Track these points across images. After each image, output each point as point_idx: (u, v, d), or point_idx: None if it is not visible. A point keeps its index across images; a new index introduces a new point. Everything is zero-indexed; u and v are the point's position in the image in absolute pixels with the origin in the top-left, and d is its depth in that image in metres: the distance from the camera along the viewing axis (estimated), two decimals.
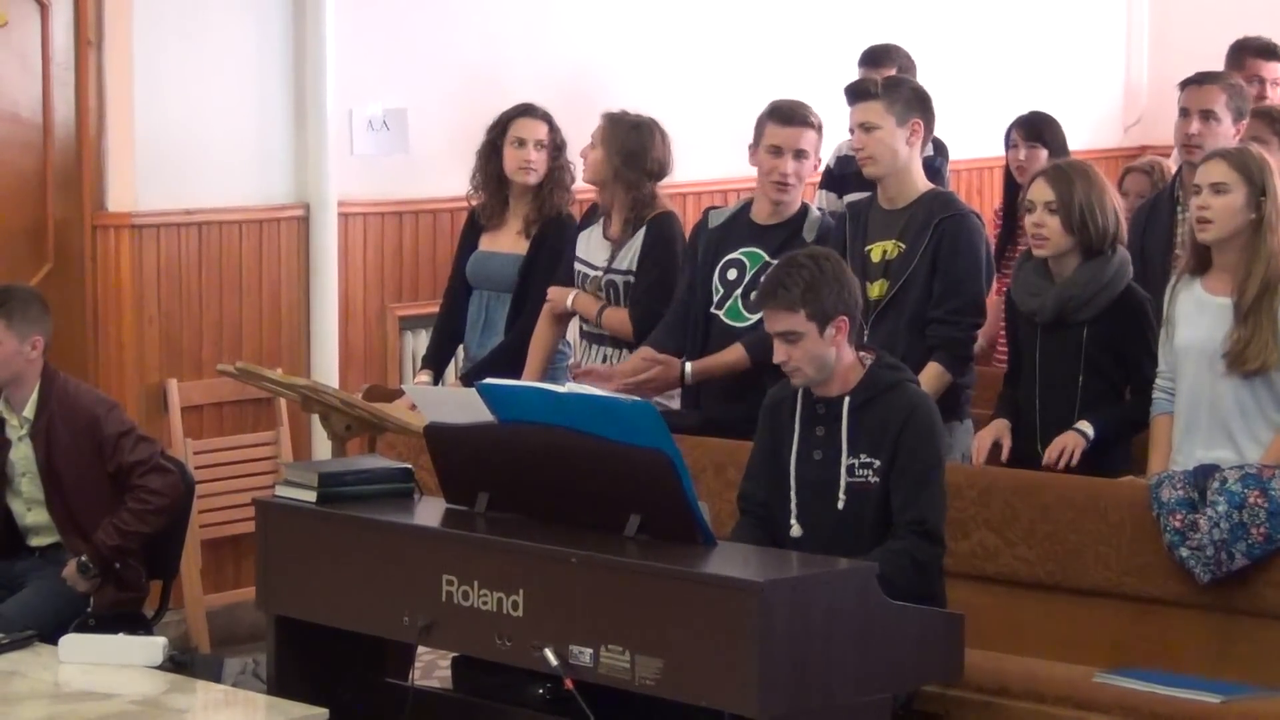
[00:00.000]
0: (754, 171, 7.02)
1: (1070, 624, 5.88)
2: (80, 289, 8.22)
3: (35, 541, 6.61)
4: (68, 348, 7.62)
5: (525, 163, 7.46)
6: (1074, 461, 6.06)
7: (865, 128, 6.51)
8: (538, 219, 7.37)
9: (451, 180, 8.51)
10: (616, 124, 7.21)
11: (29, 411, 6.53)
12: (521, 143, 7.49)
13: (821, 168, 8.45)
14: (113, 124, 8.30)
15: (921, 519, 5.38)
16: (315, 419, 7.95)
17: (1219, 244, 5.91)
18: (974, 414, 6.65)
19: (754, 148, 6.86)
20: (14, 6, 7.75)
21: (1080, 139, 9.37)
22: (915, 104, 6.64)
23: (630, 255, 7.12)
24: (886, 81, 6.98)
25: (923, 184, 6.64)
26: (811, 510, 5.52)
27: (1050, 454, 6.11)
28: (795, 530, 5.52)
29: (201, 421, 8.34)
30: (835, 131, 8.07)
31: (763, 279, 5.76)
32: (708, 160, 7.85)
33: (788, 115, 6.80)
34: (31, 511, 6.59)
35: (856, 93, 6.84)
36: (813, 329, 5.38)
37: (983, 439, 6.38)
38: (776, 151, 6.74)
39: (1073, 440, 6.08)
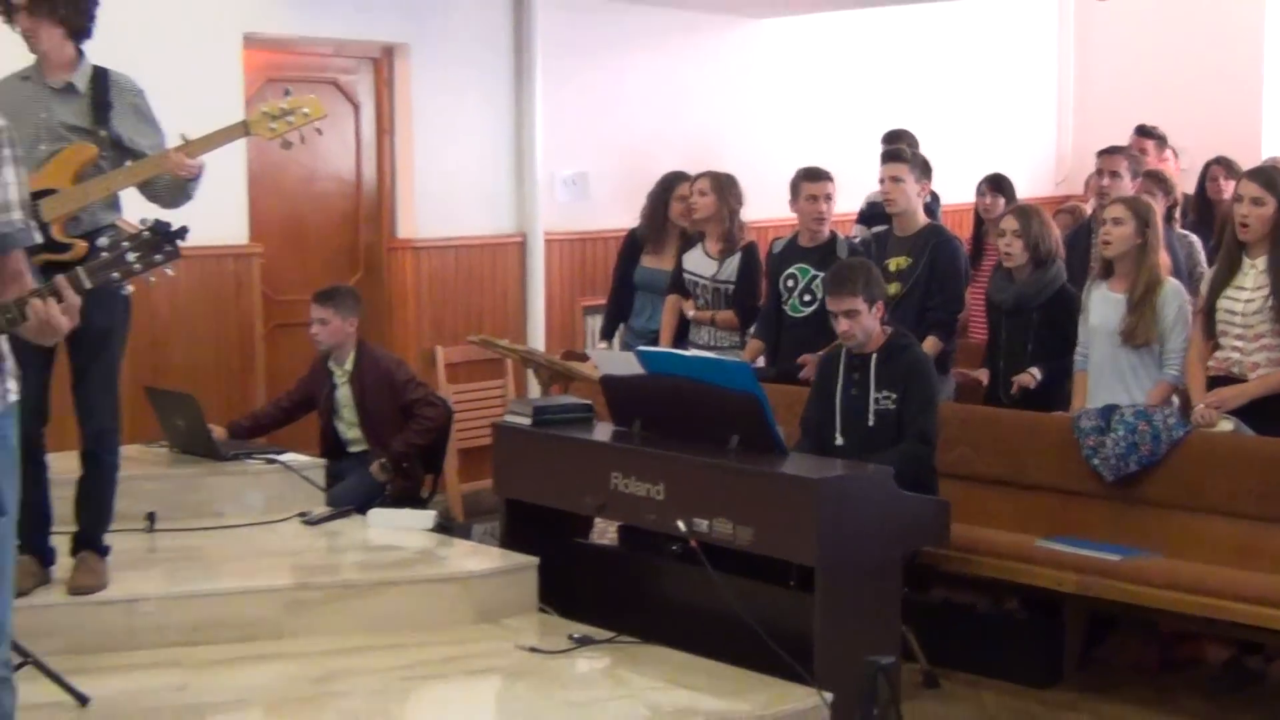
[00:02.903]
0: (792, 214, 7.06)
1: (1018, 508, 5.82)
2: (380, 288, 8.26)
3: (352, 449, 6.63)
4: (373, 325, 7.65)
5: (681, 213, 7.43)
6: (1031, 386, 6.07)
7: (895, 180, 6.52)
8: (685, 249, 7.31)
9: (614, 218, 8.50)
10: (722, 179, 7.16)
11: (348, 365, 6.56)
12: (681, 198, 7.44)
13: (858, 208, 8.46)
14: (400, 181, 8.34)
15: (922, 430, 5.45)
16: (529, 372, 7.98)
17: (1118, 258, 5.89)
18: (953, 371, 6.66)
19: (793, 200, 6.89)
20: (336, 106, 7.80)
21: (1024, 190, 9.28)
22: (925, 169, 6.75)
23: (730, 269, 7.04)
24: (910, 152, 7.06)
25: (923, 219, 6.65)
26: (850, 427, 5.54)
27: (1016, 386, 6.09)
28: (839, 440, 5.55)
29: (457, 373, 8.38)
30: (857, 180, 8.19)
31: (831, 274, 5.72)
32: (775, 203, 7.89)
33: (816, 175, 6.84)
34: (350, 430, 6.63)
35: (892, 155, 6.87)
36: (865, 308, 5.46)
37: (981, 375, 6.49)
38: (813, 199, 6.76)
39: (1028, 378, 6.08)
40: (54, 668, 4.46)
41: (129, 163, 4.92)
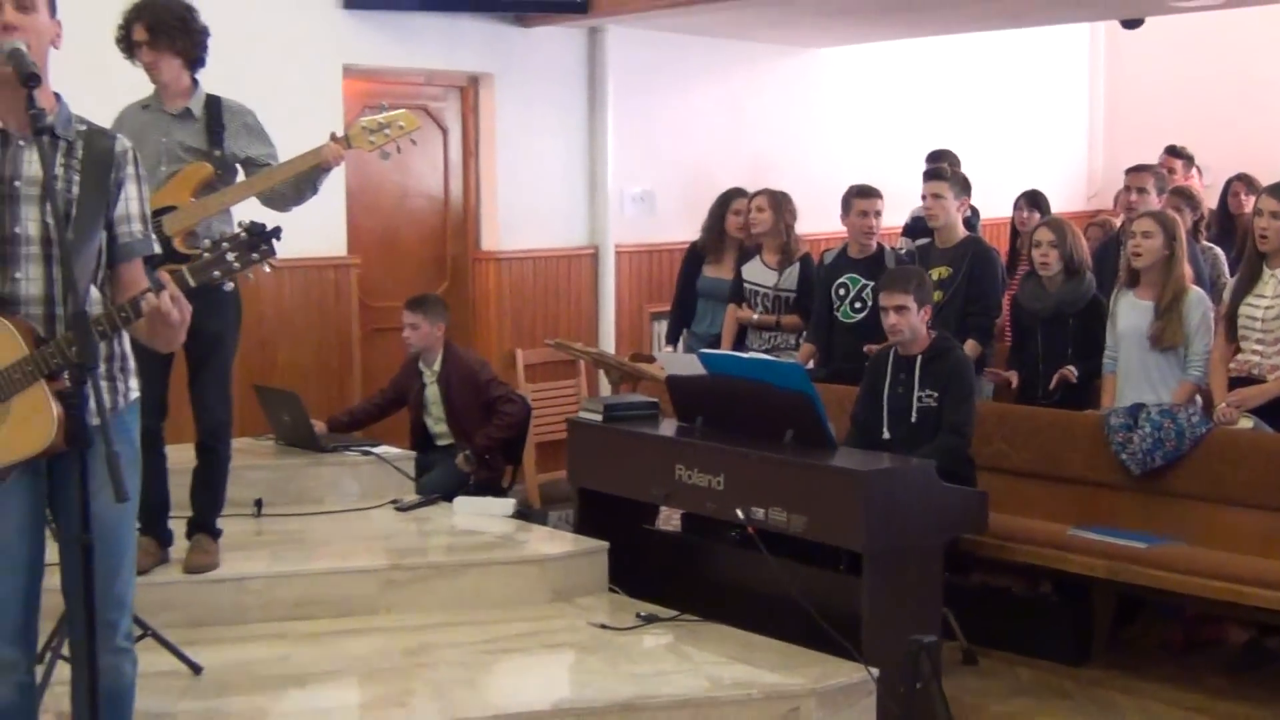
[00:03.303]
0: (841, 227, 7.09)
1: (1051, 499, 5.80)
2: (466, 296, 8.32)
3: (439, 443, 6.66)
4: (459, 329, 7.70)
5: (739, 226, 7.46)
6: (1072, 380, 6.07)
7: (936, 196, 6.50)
8: (743, 260, 7.34)
9: (678, 232, 8.54)
10: (778, 196, 7.21)
11: (436, 366, 6.61)
12: (737, 212, 7.48)
13: (903, 222, 8.45)
14: (484, 198, 8.39)
15: (957, 424, 5.42)
16: (601, 373, 8.03)
17: (1146, 268, 5.84)
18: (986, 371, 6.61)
19: (844, 215, 6.91)
20: (426, 131, 7.77)
21: (1058, 205, 9.22)
22: (964, 186, 6.70)
23: (790, 279, 7.07)
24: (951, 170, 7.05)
25: (963, 232, 6.62)
26: (896, 423, 5.52)
27: (1056, 380, 6.09)
28: (886, 434, 5.52)
29: (535, 373, 8.41)
30: (902, 196, 8.18)
31: (889, 274, 5.76)
32: (825, 218, 7.90)
33: (867, 192, 6.86)
34: (438, 425, 6.66)
35: (934, 174, 6.87)
36: (915, 307, 5.46)
37: (1010, 376, 6.45)
38: (863, 214, 6.78)
39: (1069, 373, 6.07)
40: (170, 639, 4.52)
41: (242, 178, 4.99)
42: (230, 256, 3.18)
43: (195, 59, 5.00)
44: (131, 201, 3.36)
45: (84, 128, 3.34)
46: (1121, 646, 5.77)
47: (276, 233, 3.23)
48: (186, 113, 4.98)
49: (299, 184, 4.98)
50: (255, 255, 3.19)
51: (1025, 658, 5.62)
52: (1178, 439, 5.50)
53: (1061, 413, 6.00)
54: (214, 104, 5.03)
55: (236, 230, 3.24)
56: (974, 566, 5.82)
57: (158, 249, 3.49)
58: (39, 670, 3.65)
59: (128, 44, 4.93)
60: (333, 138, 4.97)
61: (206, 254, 3.20)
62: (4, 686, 3.34)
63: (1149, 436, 5.53)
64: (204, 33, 5.01)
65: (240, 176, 5.03)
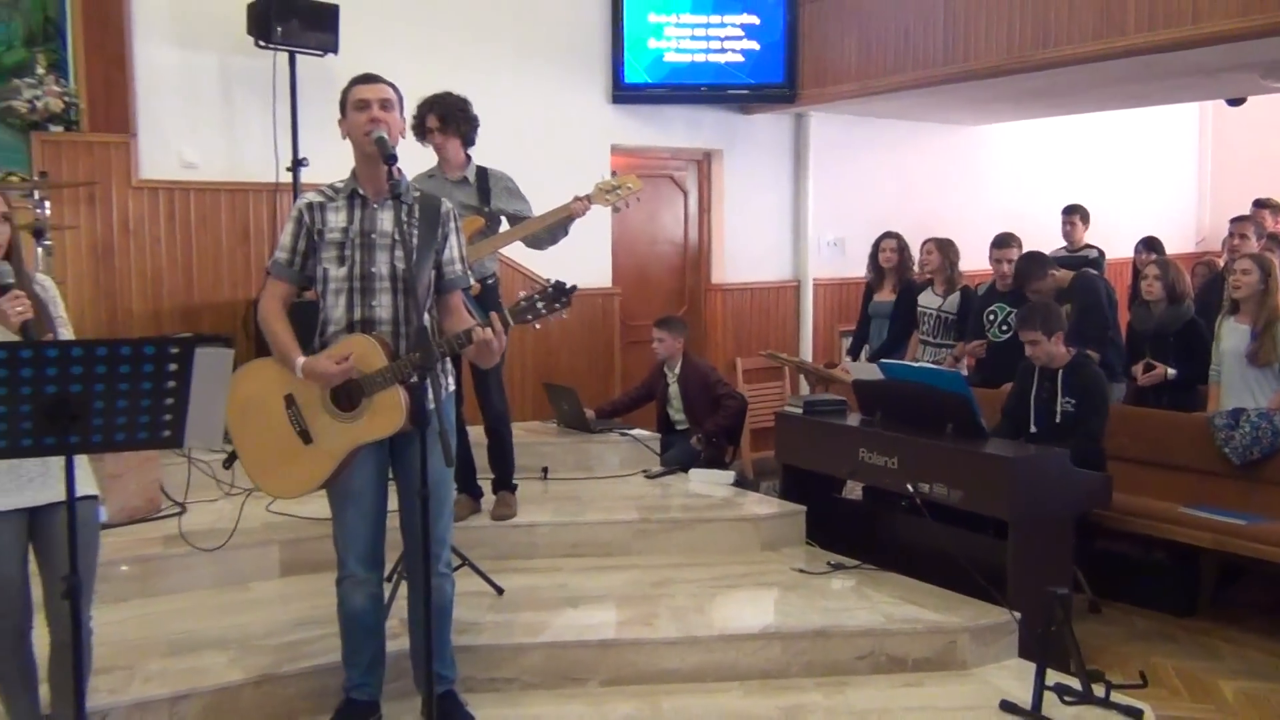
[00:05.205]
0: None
1: (1166, 483, 5.49)
2: (699, 317, 8.33)
3: (678, 428, 6.63)
4: (694, 342, 7.69)
5: (886, 259, 7.15)
6: (1168, 375, 5.79)
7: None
8: (919, 291, 7.06)
9: (861, 270, 8.31)
10: (944, 242, 6.95)
11: (677, 370, 6.57)
12: (884, 249, 7.16)
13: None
14: (714, 244, 8.39)
15: (1094, 431, 5.14)
16: (801, 377, 7.93)
17: (1244, 299, 5.48)
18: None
19: (989, 259, 6.62)
20: (672, 193, 7.92)
21: (1171, 248, 8.73)
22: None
23: (951, 304, 6.80)
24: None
25: (1066, 276, 6.36)
26: (1040, 420, 5.28)
27: (1153, 377, 5.83)
28: (1032, 429, 5.29)
29: (751, 376, 8.39)
30: (1046, 239, 7.80)
31: (1019, 315, 5.50)
32: (979, 256, 7.66)
33: (1001, 242, 6.57)
34: (677, 414, 6.63)
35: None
36: (1044, 338, 5.22)
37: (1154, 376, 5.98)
38: (998, 261, 6.51)
39: (1161, 371, 5.81)
40: (481, 568, 4.62)
41: (506, 226, 4.95)
42: (540, 305, 3.25)
43: (470, 140, 4.97)
44: (453, 248, 3.46)
45: (417, 193, 3.45)
46: (1223, 604, 5.42)
47: (573, 289, 3.29)
48: (463, 180, 4.94)
49: (553, 231, 4.95)
50: (558, 305, 3.25)
51: (1141, 609, 5.36)
52: (1273, 436, 5.16)
53: (1172, 414, 5.69)
54: (483, 172, 4.95)
55: (543, 283, 3.27)
56: (1100, 534, 5.55)
57: (473, 283, 3.57)
58: (386, 588, 3.77)
59: (421, 129, 4.91)
60: (575, 198, 4.89)
61: (523, 301, 3.26)
62: (360, 596, 3.48)
63: (1249, 434, 5.19)
64: (477, 120, 4.97)
65: (504, 227, 5.00)
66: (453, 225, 3.47)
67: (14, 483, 3.01)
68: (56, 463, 2.90)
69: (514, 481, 5.30)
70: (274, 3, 5.99)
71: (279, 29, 6.00)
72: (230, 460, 5.04)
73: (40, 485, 3.03)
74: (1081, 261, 7.43)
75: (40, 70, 5.88)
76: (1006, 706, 3.86)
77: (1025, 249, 6.63)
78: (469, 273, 3.56)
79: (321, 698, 3.72)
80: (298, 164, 6.09)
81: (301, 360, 3.34)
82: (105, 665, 3.65)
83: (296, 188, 6.06)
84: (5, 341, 2.76)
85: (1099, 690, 3.87)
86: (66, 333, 3.14)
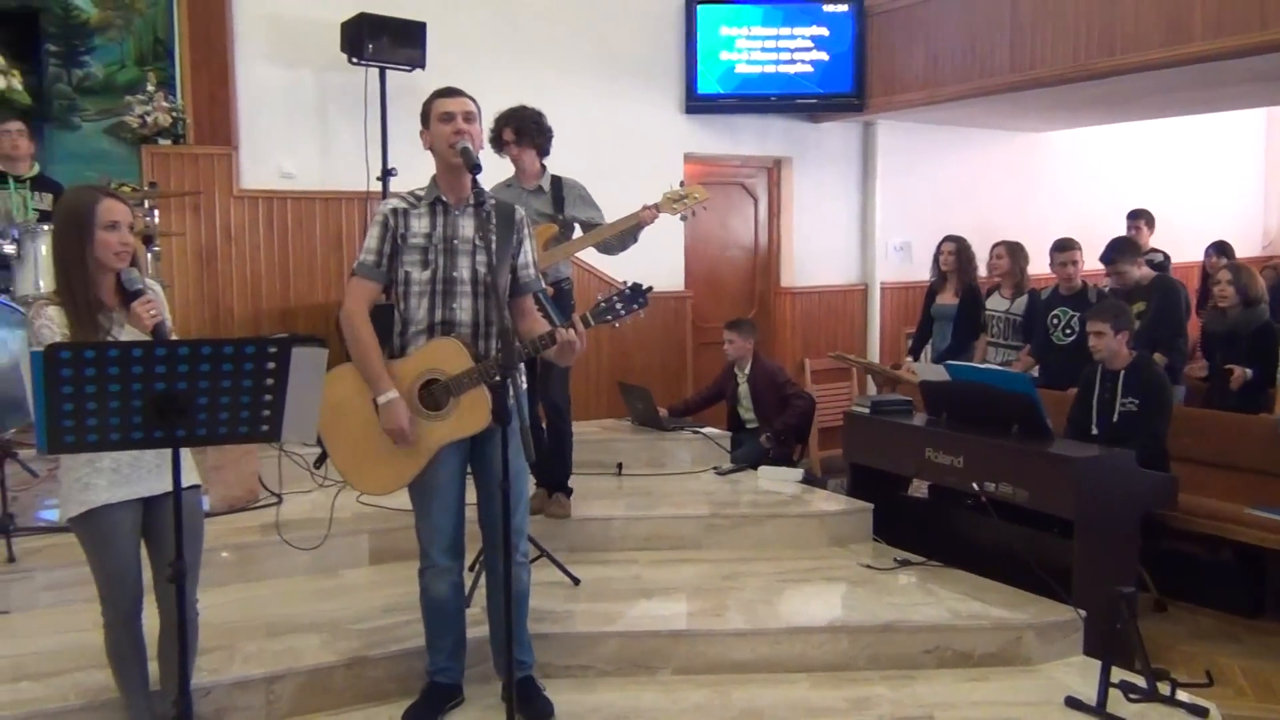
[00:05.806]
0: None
1: (1231, 484, 5.33)
2: (769, 319, 8.29)
3: (748, 426, 6.59)
4: (764, 343, 7.63)
5: (945, 263, 6.95)
6: (1248, 376, 5.63)
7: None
8: (987, 296, 6.93)
9: (927, 274, 8.24)
10: (1014, 246, 6.80)
11: (747, 370, 6.55)
12: (945, 252, 6.93)
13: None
14: (783, 248, 8.36)
15: (1157, 432, 5.01)
16: (869, 377, 7.85)
17: None
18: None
19: (1050, 264, 6.44)
20: (743, 200, 7.90)
21: (1239, 251, 8.50)
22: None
23: (1019, 307, 6.66)
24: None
25: (1149, 273, 6.17)
26: (1102, 421, 5.16)
27: (1237, 380, 5.66)
28: (1094, 430, 5.17)
29: (819, 376, 8.32)
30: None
31: (1095, 307, 5.37)
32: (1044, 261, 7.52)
33: (1062, 246, 6.38)
34: (747, 413, 6.60)
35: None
36: (1111, 333, 5.10)
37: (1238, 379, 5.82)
38: (1061, 264, 6.33)
39: (1241, 374, 5.65)
40: (558, 559, 4.63)
41: (579, 232, 4.91)
42: (619, 307, 3.25)
43: (546, 150, 4.94)
44: (528, 252, 3.48)
45: (494, 201, 3.47)
46: None
47: (649, 290, 3.28)
48: (538, 189, 4.91)
49: (623, 238, 4.91)
50: (636, 306, 3.25)
51: (1206, 609, 5.21)
52: None
53: (1239, 416, 5.51)
54: (557, 181, 4.90)
55: (621, 285, 3.27)
56: (1166, 535, 5.40)
57: (545, 286, 3.58)
58: (468, 577, 3.80)
59: (498, 142, 4.88)
60: (644, 206, 4.84)
61: (603, 304, 3.26)
62: (442, 584, 3.51)
63: None
64: (551, 131, 4.93)
65: (577, 233, 4.97)
66: (526, 231, 3.49)
67: (136, 473, 3.08)
68: (169, 455, 2.97)
69: (569, 485, 5.17)
70: (366, 21, 6.11)
71: (370, 46, 6.10)
72: (321, 460, 5.12)
73: (156, 476, 3.10)
74: (1146, 266, 7.25)
75: (150, 87, 6.10)
76: (1071, 703, 3.78)
77: (1087, 254, 6.49)
78: (541, 277, 3.57)
79: (407, 680, 3.77)
80: (387, 173, 6.19)
81: (392, 395, 3.35)
82: (207, 646, 3.72)
83: (386, 196, 6.15)
84: (121, 341, 2.83)
85: (1164, 688, 3.77)
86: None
